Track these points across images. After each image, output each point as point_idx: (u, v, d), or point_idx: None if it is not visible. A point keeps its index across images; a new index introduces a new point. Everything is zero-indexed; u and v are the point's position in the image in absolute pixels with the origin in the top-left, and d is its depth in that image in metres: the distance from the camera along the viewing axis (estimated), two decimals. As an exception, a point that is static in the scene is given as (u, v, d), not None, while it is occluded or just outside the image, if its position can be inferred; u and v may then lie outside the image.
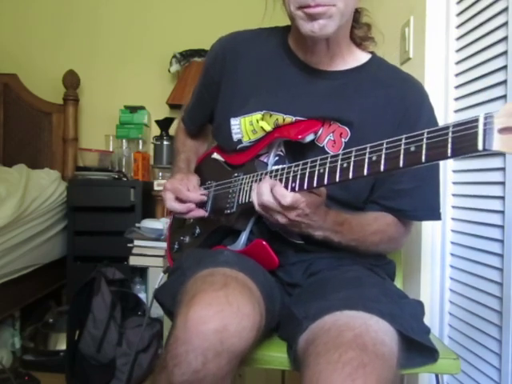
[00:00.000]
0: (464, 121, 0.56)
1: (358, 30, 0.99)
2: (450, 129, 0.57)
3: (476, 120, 0.55)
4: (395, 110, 0.94)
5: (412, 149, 0.62)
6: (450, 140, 0.57)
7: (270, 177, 0.87)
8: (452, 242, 1.26)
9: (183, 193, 1.03)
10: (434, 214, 0.99)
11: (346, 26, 0.95)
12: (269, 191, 0.82)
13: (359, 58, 0.99)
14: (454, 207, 1.25)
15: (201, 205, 1.06)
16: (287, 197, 0.79)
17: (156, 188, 2.46)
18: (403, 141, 0.64)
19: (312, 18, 0.86)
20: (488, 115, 0.54)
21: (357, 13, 0.96)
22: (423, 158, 0.60)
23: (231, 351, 0.70)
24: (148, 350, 1.88)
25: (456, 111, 1.25)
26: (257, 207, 0.85)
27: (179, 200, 1.04)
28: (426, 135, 0.61)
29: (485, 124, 0.54)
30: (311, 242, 0.92)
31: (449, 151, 0.57)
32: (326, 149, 0.94)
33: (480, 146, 0.54)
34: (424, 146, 0.60)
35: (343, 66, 0.98)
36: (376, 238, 0.96)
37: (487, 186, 1.10)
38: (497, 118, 0.53)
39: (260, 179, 0.90)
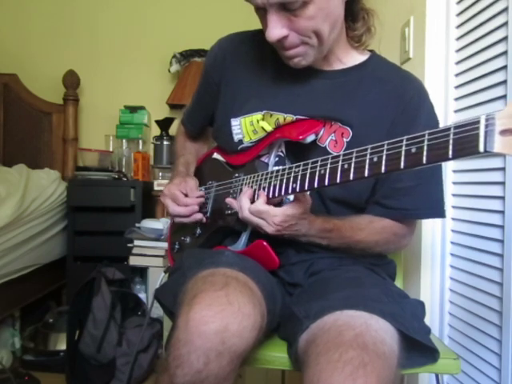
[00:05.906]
0: (465, 122, 0.56)
1: (354, 31, 0.98)
2: (451, 130, 0.57)
3: (477, 121, 0.54)
4: (394, 107, 0.94)
5: (413, 150, 0.62)
6: (451, 142, 0.57)
7: (271, 177, 0.87)
8: (452, 242, 1.26)
9: (180, 199, 1.04)
10: (437, 212, 0.98)
11: (338, 34, 0.93)
12: (249, 206, 0.88)
13: (357, 57, 0.99)
14: (454, 207, 1.25)
15: (202, 206, 1.06)
16: (278, 216, 0.85)
17: (156, 188, 2.46)
18: (404, 142, 0.63)
19: (285, 57, 0.91)
20: (489, 117, 0.53)
21: (354, 10, 0.95)
22: (424, 159, 0.60)
23: (233, 351, 0.70)
24: (148, 350, 1.88)
25: (456, 111, 1.25)
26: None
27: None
28: (427, 136, 0.60)
29: (486, 126, 0.53)
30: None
31: (450, 153, 0.57)
32: (328, 149, 0.94)
33: (481, 148, 0.54)
34: (425, 148, 0.60)
35: (342, 66, 0.98)
36: (371, 241, 0.96)
37: (487, 186, 1.10)
38: (498, 119, 0.53)
39: (260, 179, 0.91)
